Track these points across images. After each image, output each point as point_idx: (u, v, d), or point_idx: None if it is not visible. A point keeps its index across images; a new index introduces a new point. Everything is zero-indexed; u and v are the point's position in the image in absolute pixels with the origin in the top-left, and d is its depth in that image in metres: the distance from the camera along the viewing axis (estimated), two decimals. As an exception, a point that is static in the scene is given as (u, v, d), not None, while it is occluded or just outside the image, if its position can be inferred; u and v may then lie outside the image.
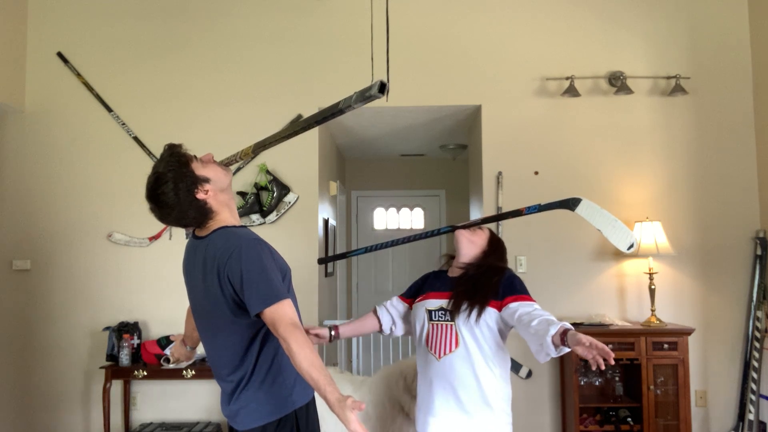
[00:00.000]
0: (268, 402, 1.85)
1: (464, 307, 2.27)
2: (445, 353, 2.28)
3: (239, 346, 1.87)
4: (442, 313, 2.31)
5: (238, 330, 1.86)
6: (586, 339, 1.84)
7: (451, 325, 2.28)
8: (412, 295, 2.50)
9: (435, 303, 2.36)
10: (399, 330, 2.52)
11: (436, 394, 2.29)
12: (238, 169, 4.34)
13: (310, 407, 1.94)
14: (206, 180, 1.87)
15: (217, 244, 1.85)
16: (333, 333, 2.38)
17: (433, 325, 2.33)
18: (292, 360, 1.69)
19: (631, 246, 2.10)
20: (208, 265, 1.86)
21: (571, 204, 2.23)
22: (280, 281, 1.82)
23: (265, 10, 4.47)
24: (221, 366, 1.93)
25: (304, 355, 1.67)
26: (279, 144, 1.91)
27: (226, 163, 1.98)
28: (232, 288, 1.80)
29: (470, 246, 2.41)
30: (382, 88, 1.50)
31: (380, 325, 2.49)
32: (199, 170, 1.87)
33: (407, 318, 2.50)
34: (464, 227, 2.45)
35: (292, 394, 1.88)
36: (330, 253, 5.05)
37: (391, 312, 2.50)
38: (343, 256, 2.90)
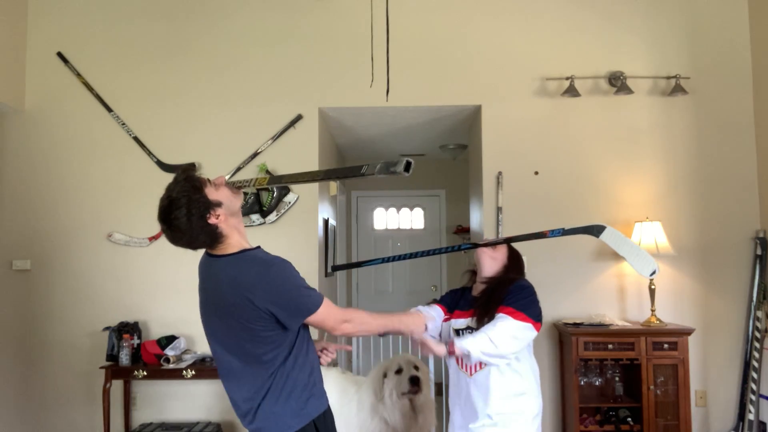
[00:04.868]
0: (286, 415, 1.90)
1: (485, 321, 2.36)
2: (476, 370, 2.40)
3: (253, 368, 1.91)
4: (469, 332, 2.39)
5: (252, 353, 1.90)
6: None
7: None
8: (448, 308, 2.59)
9: (461, 322, 2.48)
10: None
11: (466, 409, 2.42)
12: (238, 168, 4.34)
13: (327, 414, 2.00)
14: (218, 204, 1.90)
15: (241, 269, 1.89)
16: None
17: None
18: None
19: (654, 272, 2.21)
20: (227, 289, 1.89)
21: (595, 231, 2.33)
22: (310, 285, 1.92)
23: (264, 11, 4.46)
24: (235, 384, 1.97)
25: (369, 330, 2.04)
26: (288, 173, 2.06)
27: (237, 186, 2.01)
28: (270, 313, 1.85)
29: (492, 263, 2.53)
30: (408, 167, 1.72)
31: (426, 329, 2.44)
32: (212, 195, 1.90)
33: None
34: (486, 245, 2.56)
35: (306, 406, 1.93)
36: (330, 253, 5.05)
37: (431, 321, 2.48)
38: (358, 264, 3.01)
